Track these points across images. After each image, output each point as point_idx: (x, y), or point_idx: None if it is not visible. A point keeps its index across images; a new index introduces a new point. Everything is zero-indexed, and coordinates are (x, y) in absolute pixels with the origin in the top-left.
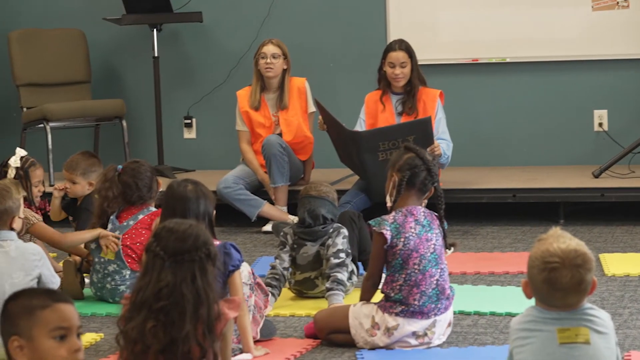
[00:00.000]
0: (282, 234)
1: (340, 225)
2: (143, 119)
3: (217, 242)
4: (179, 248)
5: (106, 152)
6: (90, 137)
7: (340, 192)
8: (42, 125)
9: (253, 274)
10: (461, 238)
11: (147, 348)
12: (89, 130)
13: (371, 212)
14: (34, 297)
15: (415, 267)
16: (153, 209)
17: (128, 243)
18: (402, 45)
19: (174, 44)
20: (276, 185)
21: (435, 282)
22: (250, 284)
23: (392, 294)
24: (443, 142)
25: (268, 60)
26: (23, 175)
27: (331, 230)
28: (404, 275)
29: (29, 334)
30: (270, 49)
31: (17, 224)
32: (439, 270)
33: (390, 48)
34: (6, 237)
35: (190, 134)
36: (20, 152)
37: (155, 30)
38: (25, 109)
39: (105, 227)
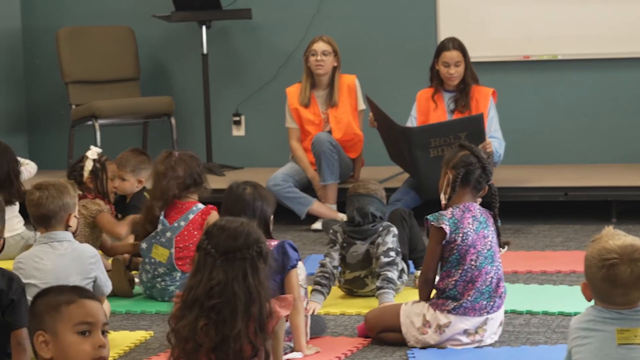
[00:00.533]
0: (331, 231)
1: (389, 223)
2: (192, 117)
3: (274, 242)
4: (231, 246)
5: (155, 150)
6: (138, 134)
7: (391, 190)
8: (90, 122)
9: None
10: (513, 237)
11: (199, 346)
12: (138, 128)
13: (422, 209)
14: (61, 293)
15: (472, 263)
16: (202, 206)
17: (181, 245)
18: (456, 44)
19: (223, 41)
20: (326, 183)
21: (490, 279)
22: (305, 288)
23: (447, 290)
24: (495, 140)
25: (318, 58)
26: (100, 168)
27: (381, 228)
28: (460, 271)
29: (53, 329)
30: (320, 46)
31: (73, 222)
32: (494, 268)
33: (443, 47)
34: (62, 238)
35: (239, 132)
36: (96, 148)
37: (204, 27)
38: (74, 106)
39: (151, 228)
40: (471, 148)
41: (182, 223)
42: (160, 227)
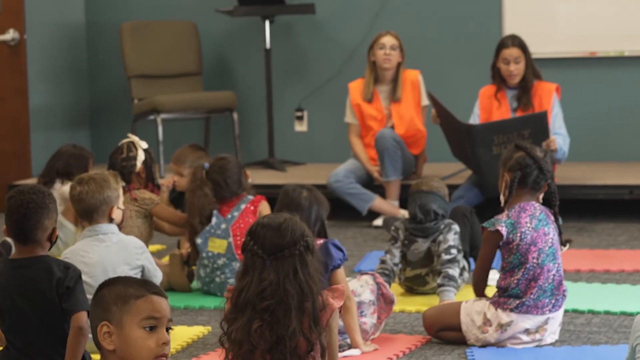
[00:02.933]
0: (393, 228)
1: (451, 221)
2: (254, 112)
3: (320, 241)
4: (278, 244)
5: (216, 145)
6: (200, 129)
7: (453, 187)
8: (152, 117)
9: (380, 284)
10: (576, 235)
11: (254, 348)
12: (200, 123)
13: (484, 207)
14: (130, 285)
15: (534, 261)
16: (251, 197)
17: (238, 234)
18: (516, 41)
19: (286, 36)
20: (388, 179)
21: (552, 276)
22: (372, 300)
23: (509, 289)
24: (559, 137)
25: (387, 52)
26: (149, 157)
27: (442, 226)
28: (522, 270)
29: (119, 321)
30: (389, 40)
31: (117, 214)
32: (556, 265)
33: (503, 44)
34: (107, 230)
35: (301, 127)
36: (135, 137)
37: (267, 22)
38: (136, 101)
39: (200, 228)
40: (526, 149)
41: (236, 214)
42: (214, 220)
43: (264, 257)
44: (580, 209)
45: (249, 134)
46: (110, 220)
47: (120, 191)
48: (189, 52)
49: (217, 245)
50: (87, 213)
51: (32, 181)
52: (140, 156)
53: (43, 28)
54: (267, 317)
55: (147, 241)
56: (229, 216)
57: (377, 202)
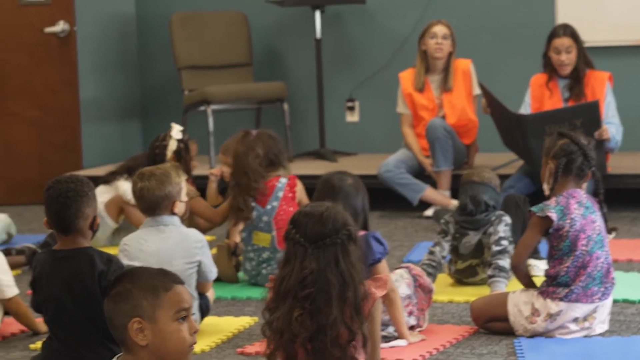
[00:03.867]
0: (443, 221)
1: (503, 212)
2: (305, 102)
3: (361, 233)
4: (320, 233)
5: None
6: (251, 120)
7: (504, 177)
8: (203, 108)
9: (416, 276)
10: (630, 225)
11: (295, 337)
12: (250, 113)
13: (535, 197)
14: (154, 277)
15: (583, 248)
16: (284, 180)
17: (281, 226)
18: (567, 31)
19: (337, 25)
20: (439, 169)
21: (600, 264)
22: (408, 294)
23: (558, 277)
24: (612, 126)
25: (439, 41)
26: (183, 148)
27: (493, 218)
28: (572, 258)
29: (152, 316)
30: (441, 29)
31: (179, 208)
32: (604, 253)
33: (554, 34)
34: (168, 222)
35: (352, 117)
36: (178, 126)
37: (317, 12)
38: (186, 92)
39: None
40: (571, 135)
41: (275, 204)
42: (255, 213)
43: (305, 246)
44: (634, 198)
45: (300, 125)
46: (173, 213)
47: (183, 184)
48: (239, 42)
49: (261, 239)
50: (150, 209)
51: (83, 173)
52: (172, 145)
53: (93, 19)
54: (308, 305)
55: None
56: (269, 207)
57: (428, 193)
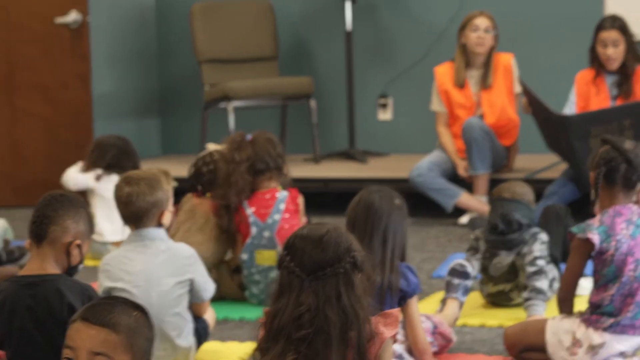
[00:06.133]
0: (473, 237)
1: (538, 229)
2: (334, 99)
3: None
4: (319, 261)
5: (294, 134)
6: (276, 117)
7: (547, 182)
8: (224, 104)
9: (436, 323)
10: None
11: None
12: (276, 111)
13: (581, 204)
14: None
15: (631, 273)
16: (285, 192)
17: None
18: (615, 24)
19: (369, 17)
20: (476, 173)
21: None
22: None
23: (603, 305)
24: None
25: (481, 34)
26: None
27: (528, 237)
28: (617, 284)
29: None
30: (483, 21)
31: (167, 218)
32: None
33: (601, 26)
34: (154, 236)
35: (385, 115)
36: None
37: (348, 2)
38: (207, 87)
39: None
40: (612, 141)
41: (277, 217)
42: (254, 230)
43: (301, 277)
44: None
45: (329, 123)
46: (159, 224)
47: (171, 192)
48: (264, 34)
49: (265, 258)
50: (136, 217)
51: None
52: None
53: (108, 9)
54: (303, 349)
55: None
56: (270, 221)
57: (464, 198)
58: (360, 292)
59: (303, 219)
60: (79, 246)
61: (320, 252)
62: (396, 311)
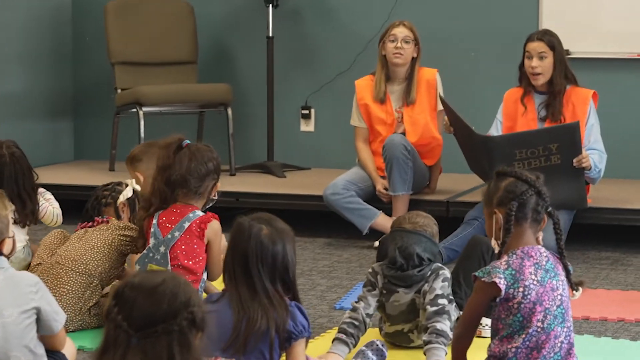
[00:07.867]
0: (371, 271)
1: (440, 266)
2: (254, 108)
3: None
4: (150, 316)
5: (210, 144)
6: (192, 126)
7: (469, 205)
8: (135, 110)
9: None
10: (609, 269)
11: None
12: (192, 118)
13: None
14: None
15: (539, 324)
16: (200, 213)
17: (177, 263)
18: (544, 37)
19: (292, 23)
20: (396, 194)
21: (559, 344)
22: None
23: (505, 359)
24: (595, 153)
25: (398, 45)
26: (136, 199)
27: (429, 273)
28: (523, 336)
29: None
30: (401, 31)
31: (7, 247)
32: (565, 329)
33: (529, 39)
34: None
35: (307, 127)
36: (135, 185)
37: (271, 5)
38: (119, 91)
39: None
40: (514, 173)
41: (177, 234)
42: (152, 241)
43: (129, 332)
44: (615, 237)
45: (246, 133)
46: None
47: (10, 216)
48: (183, 37)
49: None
50: None
51: None
52: (128, 192)
53: (17, 3)
54: None
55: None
56: (169, 236)
57: (381, 220)
58: (198, 355)
59: (221, 254)
60: None
61: (153, 305)
62: None
